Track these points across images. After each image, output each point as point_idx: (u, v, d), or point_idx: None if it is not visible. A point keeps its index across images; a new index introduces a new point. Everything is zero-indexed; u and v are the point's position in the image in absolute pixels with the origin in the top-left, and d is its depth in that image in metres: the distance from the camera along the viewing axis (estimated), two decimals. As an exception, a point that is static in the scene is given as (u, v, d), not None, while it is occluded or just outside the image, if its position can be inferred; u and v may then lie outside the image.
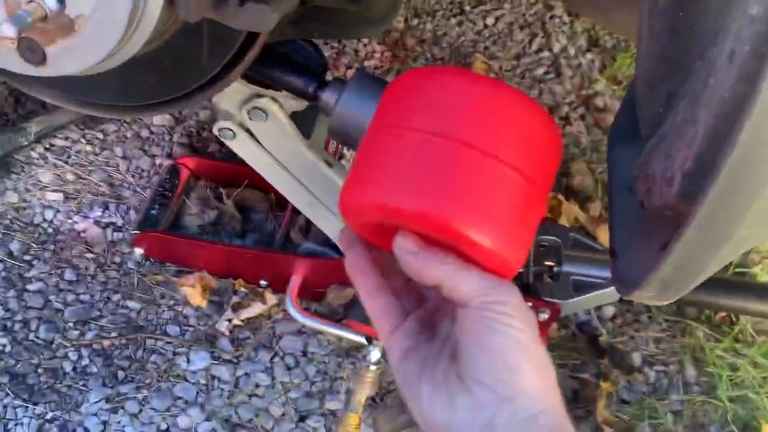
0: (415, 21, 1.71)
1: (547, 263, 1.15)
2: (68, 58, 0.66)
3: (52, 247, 1.18)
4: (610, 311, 1.29)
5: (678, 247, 0.51)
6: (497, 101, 0.49)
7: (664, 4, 0.65)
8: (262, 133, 0.95)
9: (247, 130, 0.96)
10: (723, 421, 1.19)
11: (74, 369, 1.06)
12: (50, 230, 1.20)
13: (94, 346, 1.08)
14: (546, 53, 1.71)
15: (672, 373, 1.23)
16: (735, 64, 0.46)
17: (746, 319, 1.31)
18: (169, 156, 1.31)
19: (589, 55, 1.72)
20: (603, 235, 1.33)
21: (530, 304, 1.07)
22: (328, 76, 0.87)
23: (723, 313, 1.31)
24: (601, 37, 1.78)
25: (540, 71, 1.67)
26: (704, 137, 0.51)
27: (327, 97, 0.81)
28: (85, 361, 1.07)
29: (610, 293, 1.11)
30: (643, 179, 0.64)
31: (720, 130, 0.49)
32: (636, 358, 1.23)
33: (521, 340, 0.46)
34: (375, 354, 0.91)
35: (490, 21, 1.75)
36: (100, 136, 1.33)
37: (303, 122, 0.99)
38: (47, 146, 1.29)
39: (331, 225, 1.06)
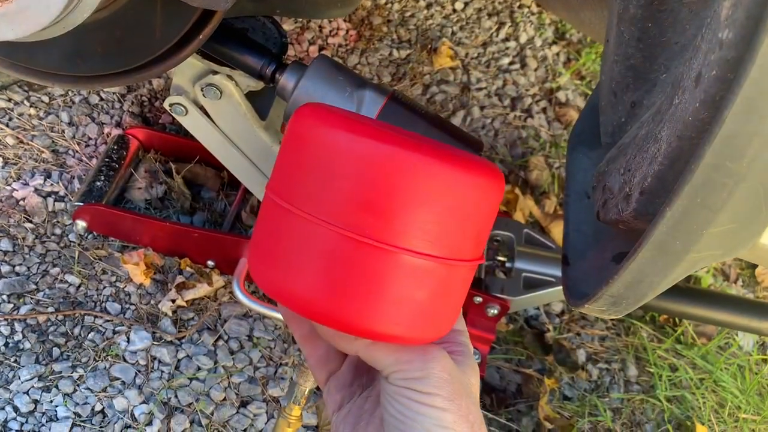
0: (383, 0, 1.67)
1: (500, 258, 1.15)
2: (5, 24, 0.62)
3: (-13, 214, 1.12)
4: (557, 307, 1.30)
5: (630, 266, 0.51)
6: (395, 168, 0.41)
7: (635, 12, 0.64)
8: (215, 111, 0.91)
9: (200, 107, 0.92)
10: (660, 419, 1.22)
11: (6, 344, 1.01)
12: (-13, 196, 1.14)
13: (29, 320, 1.04)
14: (512, 43, 1.70)
15: (614, 371, 1.25)
16: (700, 88, 0.45)
17: (688, 322, 1.33)
18: (119, 125, 1.26)
19: (554, 48, 1.72)
20: (556, 232, 1.34)
21: (480, 299, 1.07)
22: (290, 51, 0.84)
23: (666, 315, 1.33)
24: (567, 30, 1.77)
25: (505, 61, 1.66)
26: (665, 157, 0.50)
27: (284, 81, 0.78)
28: (18, 336, 1.02)
29: (560, 292, 1.12)
30: (600, 190, 0.63)
31: (682, 151, 0.48)
32: (580, 356, 1.25)
33: (443, 422, 0.42)
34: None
35: (459, 6, 1.72)
36: (46, 99, 1.26)
37: (259, 101, 0.96)
38: (-13, 107, 1.23)
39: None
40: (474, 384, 0.47)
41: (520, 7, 1.78)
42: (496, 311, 1.07)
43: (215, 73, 0.89)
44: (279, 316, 1.05)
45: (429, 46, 1.62)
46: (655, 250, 0.49)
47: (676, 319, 1.35)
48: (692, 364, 1.30)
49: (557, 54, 1.71)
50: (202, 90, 0.88)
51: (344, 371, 0.51)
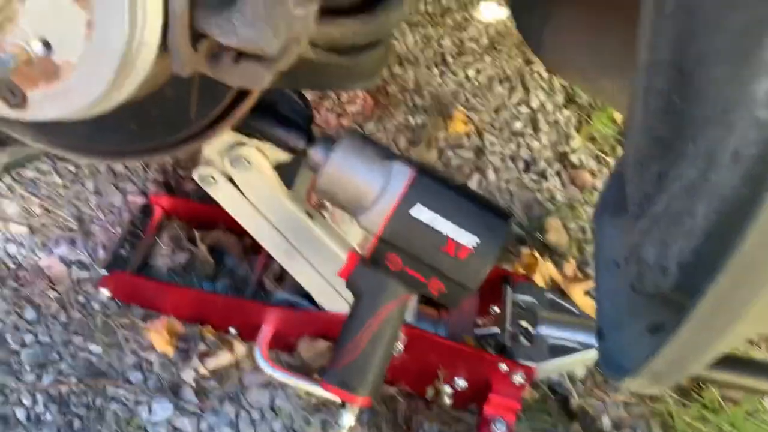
0: (399, 69, 1.71)
1: (523, 324, 1.14)
2: (50, 104, 0.64)
3: (13, 283, 1.13)
4: (580, 371, 1.28)
5: (672, 344, 0.51)
6: None
7: (662, 84, 0.66)
8: (244, 182, 0.93)
9: (229, 178, 0.94)
10: (689, 488, 1.18)
11: (27, 417, 1.00)
12: (12, 265, 1.15)
13: (51, 391, 1.03)
14: (524, 108, 1.73)
15: (640, 439, 1.23)
16: (740, 165, 0.46)
17: (715, 386, 1.31)
18: (143, 193, 1.27)
19: (566, 111, 1.75)
20: (577, 295, 1.33)
21: (506, 366, 1.05)
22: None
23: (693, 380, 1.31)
24: (577, 93, 1.80)
25: (518, 125, 1.69)
26: (703, 231, 0.51)
27: (314, 154, 0.80)
28: (39, 408, 1.01)
29: (585, 357, 1.11)
30: (634, 262, 0.64)
31: (720, 227, 0.49)
32: (605, 423, 1.22)
33: None
34: (348, 418, 0.87)
35: (471, 73, 1.76)
36: (72, 168, 1.29)
37: (285, 171, 0.98)
38: (15, 177, 1.25)
39: (307, 276, 1.04)
40: None
41: (531, 72, 1.82)
42: (522, 379, 1.05)
43: (244, 144, 0.91)
44: (301, 384, 1.04)
45: (444, 112, 1.65)
46: (698, 327, 0.49)
47: (702, 384, 1.32)
48: (719, 430, 1.27)
49: (569, 117, 1.74)
50: (231, 161, 0.90)
51: None
